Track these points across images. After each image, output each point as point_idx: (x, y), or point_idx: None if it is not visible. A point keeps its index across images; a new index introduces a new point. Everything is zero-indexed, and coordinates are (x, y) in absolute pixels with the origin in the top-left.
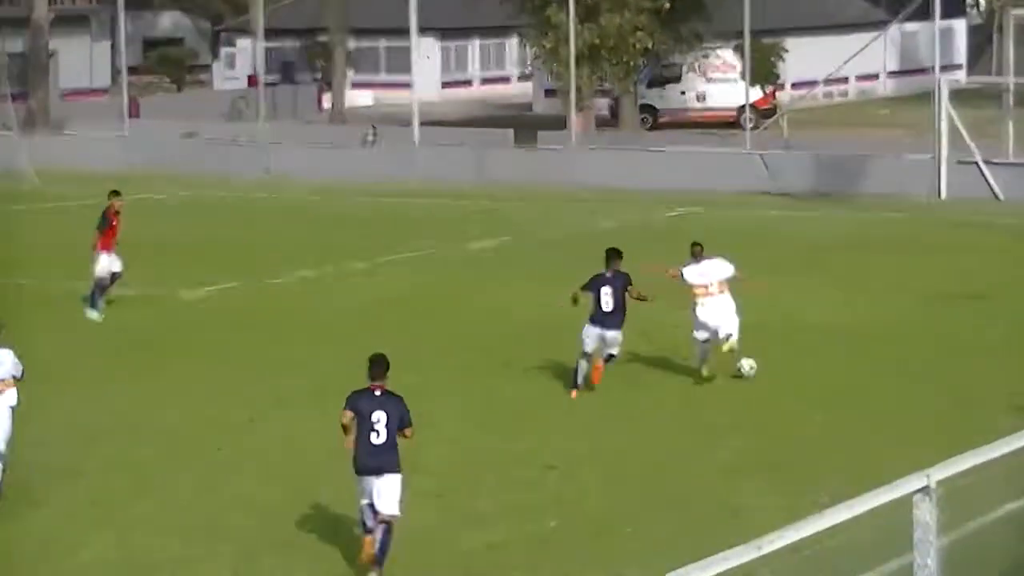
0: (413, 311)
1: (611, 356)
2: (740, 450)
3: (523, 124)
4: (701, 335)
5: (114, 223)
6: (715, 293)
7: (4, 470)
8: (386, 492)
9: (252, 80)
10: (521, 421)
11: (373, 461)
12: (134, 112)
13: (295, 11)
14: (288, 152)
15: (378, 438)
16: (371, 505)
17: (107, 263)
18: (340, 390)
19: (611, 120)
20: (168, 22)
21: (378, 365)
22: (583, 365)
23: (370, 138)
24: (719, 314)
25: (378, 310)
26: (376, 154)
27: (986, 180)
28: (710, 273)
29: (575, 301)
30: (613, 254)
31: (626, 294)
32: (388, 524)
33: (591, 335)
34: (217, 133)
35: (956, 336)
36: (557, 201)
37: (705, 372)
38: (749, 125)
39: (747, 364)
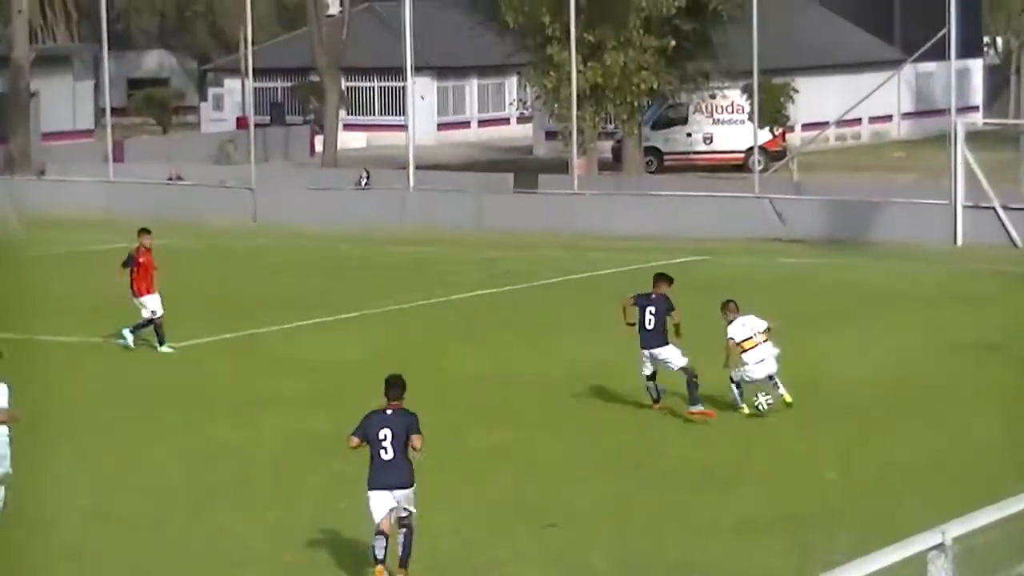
0: (400, 363)
1: (683, 371)
2: (751, 502)
3: (523, 167)
4: (759, 373)
5: (140, 261)
6: (760, 342)
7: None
8: (401, 499)
9: (241, 122)
10: (520, 474)
11: (384, 478)
12: (118, 155)
13: (285, 50)
14: (277, 196)
15: (387, 454)
16: (380, 534)
17: (152, 303)
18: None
19: (615, 163)
20: (153, 62)
21: (394, 387)
22: (650, 386)
23: (363, 182)
24: (768, 355)
25: (360, 364)
26: (368, 199)
27: (1004, 226)
28: (751, 324)
29: (625, 313)
30: (660, 278)
31: (668, 318)
32: (408, 527)
33: (644, 357)
34: (204, 177)
35: (973, 388)
36: (558, 248)
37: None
38: (758, 168)
39: (764, 399)
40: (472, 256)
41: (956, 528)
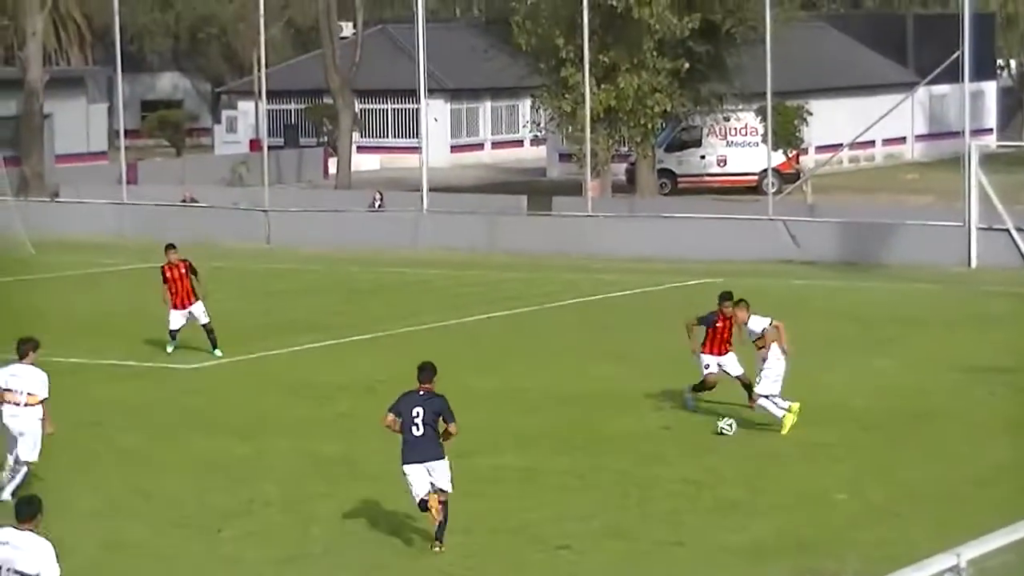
0: (411, 385)
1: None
2: (762, 525)
3: (536, 190)
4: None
5: (168, 276)
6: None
7: (26, 477)
8: (437, 474)
9: (254, 144)
10: (527, 498)
11: (415, 452)
12: (131, 177)
13: (298, 72)
14: (290, 219)
15: (417, 431)
16: (424, 502)
17: (177, 318)
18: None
19: (628, 185)
20: (167, 84)
21: (425, 371)
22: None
23: (376, 204)
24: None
25: (372, 387)
26: (382, 221)
27: (1018, 248)
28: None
29: (690, 332)
30: (726, 296)
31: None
32: (446, 505)
33: (711, 363)
34: (217, 199)
35: (986, 411)
36: (571, 270)
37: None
38: (772, 190)
39: (726, 423)
40: (485, 278)
41: (971, 551)
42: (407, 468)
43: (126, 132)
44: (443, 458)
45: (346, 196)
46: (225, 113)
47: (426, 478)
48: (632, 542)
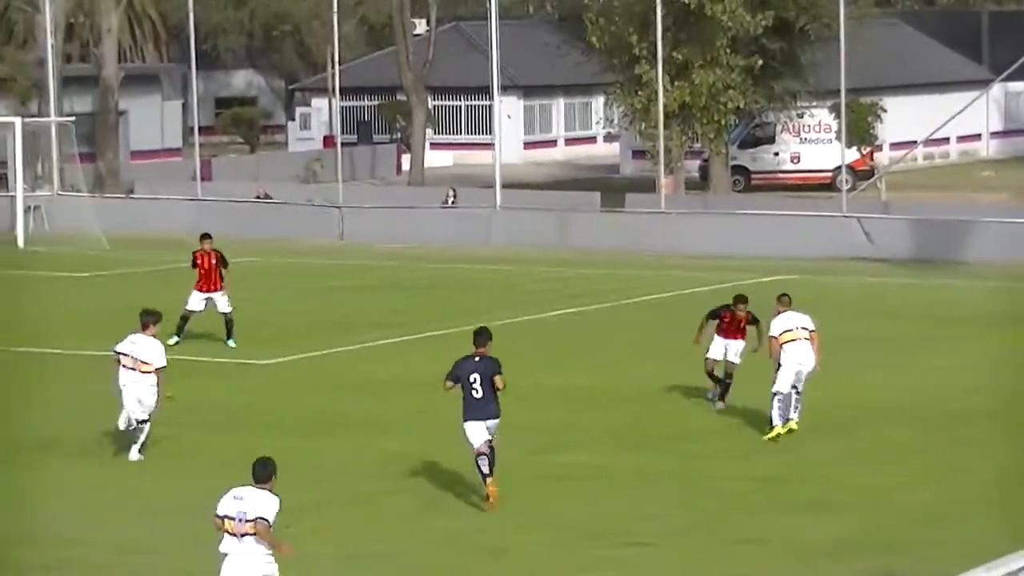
0: None
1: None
2: (830, 524)
3: (610, 187)
4: (787, 375)
5: (198, 262)
6: (802, 337)
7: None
8: (492, 427)
9: (328, 141)
10: (599, 495)
11: (477, 412)
12: (206, 174)
13: (372, 69)
14: (363, 215)
15: (477, 394)
16: (482, 455)
17: (197, 300)
18: None
19: (701, 182)
20: (241, 81)
21: (480, 335)
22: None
23: (450, 201)
24: (805, 357)
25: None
26: (455, 217)
27: None
28: (797, 320)
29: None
30: (740, 299)
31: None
32: (494, 449)
33: (718, 346)
34: (291, 195)
35: None
36: (644, 267)
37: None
38: (845, 187)
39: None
40: (557, 275)
41: None
42: (468, 425)
43: (200, 129)
44: (499, 417)
45: (419, 192)
46: (299, 110)
47: (484, 433)
48: (704, 539)
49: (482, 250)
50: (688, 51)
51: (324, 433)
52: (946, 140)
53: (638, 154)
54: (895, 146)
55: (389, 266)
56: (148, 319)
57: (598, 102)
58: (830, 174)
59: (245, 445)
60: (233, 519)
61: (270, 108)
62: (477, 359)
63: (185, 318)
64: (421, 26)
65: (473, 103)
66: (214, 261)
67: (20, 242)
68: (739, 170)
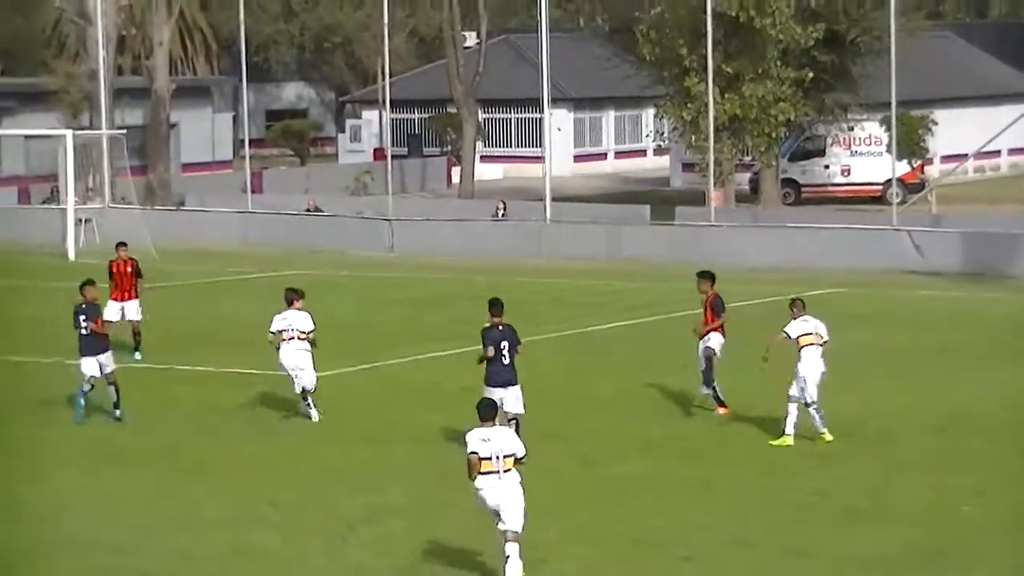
0: (533, 393)
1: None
2: (886, 536)
3: (660, 199)
4: (805, 382)
5: (113, 271)
6: (818, 343)
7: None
8: (511, 398)
9: (378, 153)
10: (653, 505)
11: (502, 378)
12: (256, 186)
13: (422, 81)
14: (413, 228)
15: (505, 360)
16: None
17: (112, 310)
18: None
19: (752, 195)
20: (292, 93)
21: (497, 305)
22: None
23: (500, 213)
24: (818, 363)
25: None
26: (505, 230)
27: None
28: (814, 325)
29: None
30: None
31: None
32: (517, 421)
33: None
34: (341, 208)
35: None
36: (694, 280)
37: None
38: (896, 200)
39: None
40: (608, 287)
41: None
42: (490, 389)
43: (251, 141)
44: (518, 383)
45: (469, 205)
46: (349, 122)
47: (499, 398)
48: (758, 551)
49: (532, 263)
50: (738, 64)
51: (382, 443)
52: (997, 153)
53: (688, 167)
54: (946, 159)
55: (440, 279)
56: (293, 296)
57: (648, 115)
58: (880, 187)
59: (303, 456)
60: (488, 459)
61: (320, 120)
62: (500, 328)
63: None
64: (471, 39)
65: (523, 116)
66: (129, 270)
67: (71, 255)
68: (789, 183)
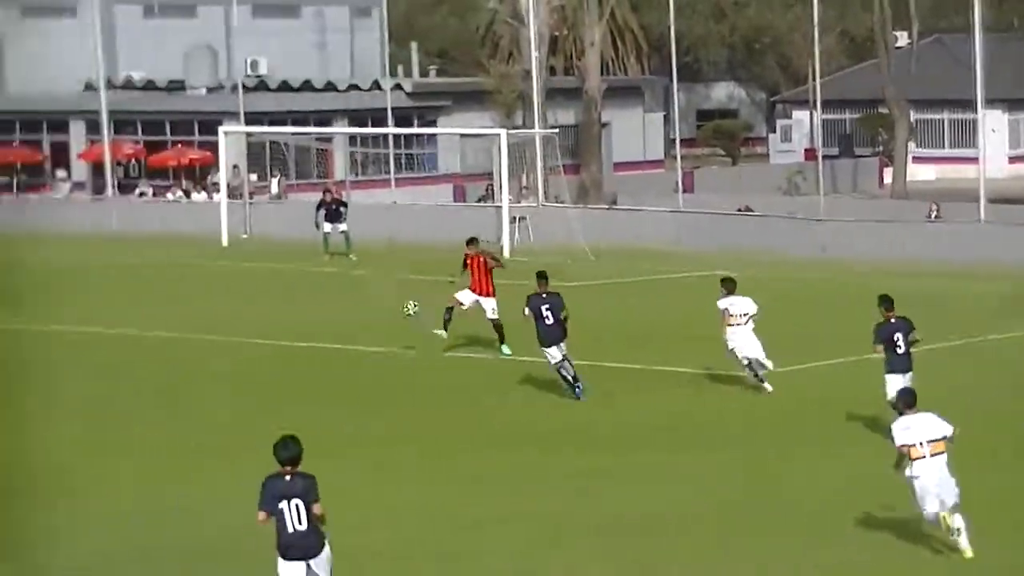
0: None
1: None
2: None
3: None
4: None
5: (469, 264)
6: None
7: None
8: (564, 349)
9: (809, 153)
10: None
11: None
12: (688, 185)
13: (853, 81)
14: (844, 229)
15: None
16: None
17: (467, 295)
18: None
19: None
20: (722, 94)
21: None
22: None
23: (933, 215)
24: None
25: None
26: (937, 232)
27: None
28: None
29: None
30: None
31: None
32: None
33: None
34: (772, 208)
35: None
36: None
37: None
38: None
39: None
40: None
41: None
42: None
43: (682, 141)
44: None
45: (902, 206)
46: (779, 122)
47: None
48: None
49: (966, 266)
50: None
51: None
52: None
53: None
54: None
55: (867, 282)
56: (727, 285)
57: None
58: None
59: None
60: (913, 445)
61: (751, 120)
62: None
63: (451, 308)
64: (902, 39)
65: (956, 116)
66: (483, 265)
67: (506, 252)
68: None
